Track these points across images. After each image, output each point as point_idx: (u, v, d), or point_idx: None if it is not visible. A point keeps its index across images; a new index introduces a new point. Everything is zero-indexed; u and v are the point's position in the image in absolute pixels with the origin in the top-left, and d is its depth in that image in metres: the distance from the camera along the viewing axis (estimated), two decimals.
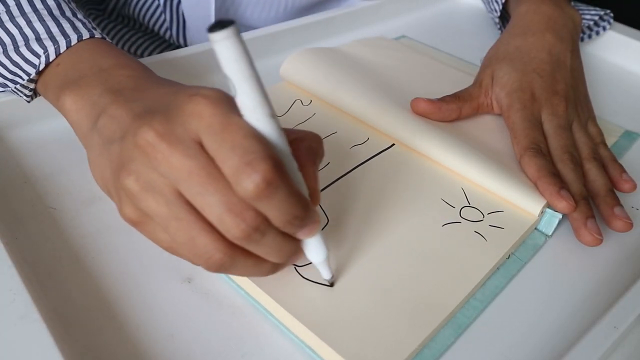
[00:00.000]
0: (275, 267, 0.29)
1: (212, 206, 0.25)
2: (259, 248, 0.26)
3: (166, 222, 0.26)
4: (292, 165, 0.27)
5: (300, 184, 0.27)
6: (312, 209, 0.27)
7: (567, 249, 0.38)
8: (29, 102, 0.40)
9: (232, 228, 0.25)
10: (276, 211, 0.25)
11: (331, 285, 0.31)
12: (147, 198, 0.26)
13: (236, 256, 0.26)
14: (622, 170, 0.42)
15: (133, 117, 0.28)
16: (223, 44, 0.23)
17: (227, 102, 0.25)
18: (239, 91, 0.24)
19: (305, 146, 0.28)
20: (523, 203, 0.38)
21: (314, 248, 0.29)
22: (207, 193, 0.25)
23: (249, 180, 0.23)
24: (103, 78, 0.33)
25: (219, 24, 0.22)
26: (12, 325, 0.27)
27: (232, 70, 0.23)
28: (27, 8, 0.38)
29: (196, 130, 0.25)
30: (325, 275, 0.31)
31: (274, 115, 0.25)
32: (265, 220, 0.25)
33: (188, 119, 0.25)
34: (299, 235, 0.27)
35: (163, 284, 0.33)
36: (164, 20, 0.63)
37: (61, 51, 0.36)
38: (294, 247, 0.28)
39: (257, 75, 0.24)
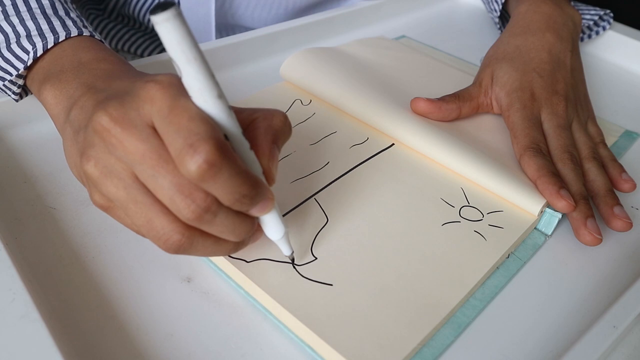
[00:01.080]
0: (236, 246, 0.29)
1: (164, 188, 0.25)
2: (213, 228, 0.27)
3: (125, 205, 0.27)
4: (243, 144, 0.27)
5: (252, 163, 0.27)
6: (263, 186, 0.27)
7: (567, 249, 0.38)
8: (17, 100, 0.40)
9: (183, 209, 0.25)
10: (223, 191, 0.25)
11: (292, 261, 0.32)
12: (106, 183, 0.27)
13: (194, 237, 0.27)
14: (622, 170, 0.42)
15: (94, 105, 0.29)
16: (164, 26, 0.23)
17: (178, 86, 0.25)
18: (184, 73, 0.24)
19: (263, 125, 0.28)
20: (523, 202, 0.38)
21: (271, 225, 0.30)
22: (158, 175, 0.25)
23: (192, 162, 0.24)
24: (80, 72, 0.34)
25: (161, 6, 0.22)
26: (11, 325, 0.27)
27: (175, 53, 0.24)
28: (22, 7, 0.39)
29: (149, 114, 0.25)
30: (285, 251, 0.31)
31: (220, 96, 0.25)
32: (216, 200, 0.26)
33: (142, 103, 0.25)
34: (253, 213, 0.27)
35: (163, 283, 0.33)
36: None
37: (49, 46, 0.37)
38: (250, 225, 0.28)
39: (202, 57, 0.24)
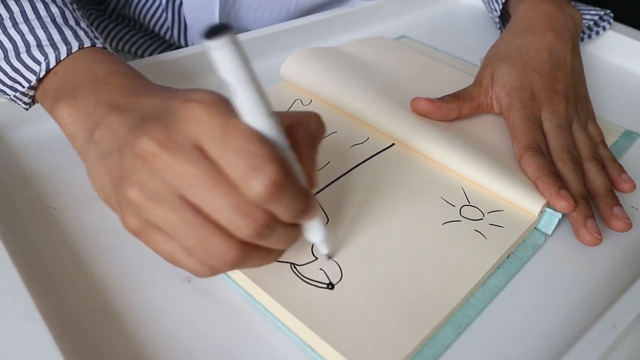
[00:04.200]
0: (280, 253, 0.30)
1: (221, 209, 0.25)
2: (269, 241, 0.27)
3: (176, 228, 0.26)
4: (290, 157, 0.27)
5: (299, 174, 0.27)
6: (313, 197, 0.27)
7: (567, 249, 0.38)
8: (27, 109, 0.40)
9: (243, 228, 0.25)
10: (285, 209, 0.25)
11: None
12: (154, 207, 0.26)
13: (249, 251, 0.27)
14: (622, 170, 0.42)
15: (129, 128, 0.28)
16: (221, 52, 0.22)
17: (222, 105, 0.25)
18: (239, 95, 0.24)
19: (302, 131, 0.28)
20: (523, 202, 0.38)
21: (313, 229, 0.30)
22: (215, 197, 0.25)
23: (258, 184, 0.24)
24: (96, 88, 0.33)
25: (215, 30, 0.22)
26: (12, 325, 0.27)
27: (230, 76, 0.23)
28: (31, 15, 0.38)
29: (195, 136, 0.25)
30: (324, 250, 0.33)
31: (272, 114, 0.25)
32: (274, 216, 0.26)
33: (186, 125, 0.25)
34: (303, 222, 0.29)
35: (163, 283, 0.33)
36: (165, 21, 0.63)
37: (61, 58, 0.36)
38: (298, 234, 0.29)
39: (255, 76, 0.24)
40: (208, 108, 0.24)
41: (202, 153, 0.25)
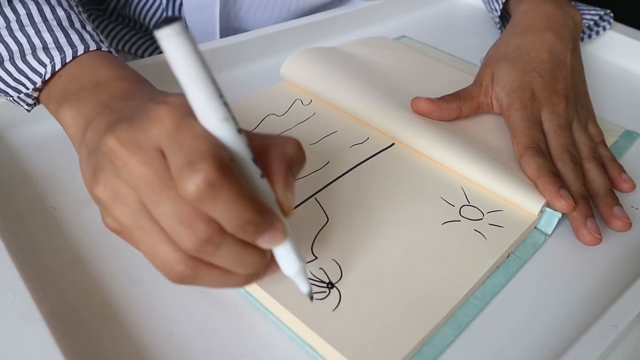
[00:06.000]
0: (247, 279, 0.27)
1: (165, 216, 0.24)
2: (217, 259, 0.25)
3: (130, 231, 0.26)
4: (252, 170, 0.25)
5: (263, 191, 0.26)
6: (270, 214, 0.25)
7: (567, 248, 0.38)
8: (29, 111, 0.40)
9: (184, 239, 0.24)
10: (224, 215, 0.23)
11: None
12: (114, 207, 0.26)
13: (198, 268, 0.25)
14: (622, 170, 0.42)
15: (106, 126, 0.28)
16: (168, 42, 0.22)
17: (189, 107, 0.24)
18: (187, 93, 0.23)
19: (276, 152, 0.26)
20: (523, 202, 0.38)
21: (283, 259, 0.27)
22: (160, 202, 0.24)
23: (190, 181, 0.22)
24: (98, 91, 0.33)
25: (166, 21, 0.21)
26: (12, 325, 0.27)
27: (179, 71, 0.22)
28: (37, 18, 0.38)
29: (157, 137, 0.24)
30: (302, 289, 0.29)
31: (228, 119, 0.24)
32: (219, 231, 0.24)
33: (150, 125, 0.24)
34: (260, 243, 0.25)
35: (163, 283, 0.33)
36: None
37: (67, 60, 0.36)
38: (259, 258, 0.26)
39: (209, 77, 0.23)
40: (172, 109, 0.24)
41: (160, 155, 0.24)
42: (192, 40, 0.22)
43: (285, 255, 0.27)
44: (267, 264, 0.27)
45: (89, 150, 0.29)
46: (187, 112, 0.24)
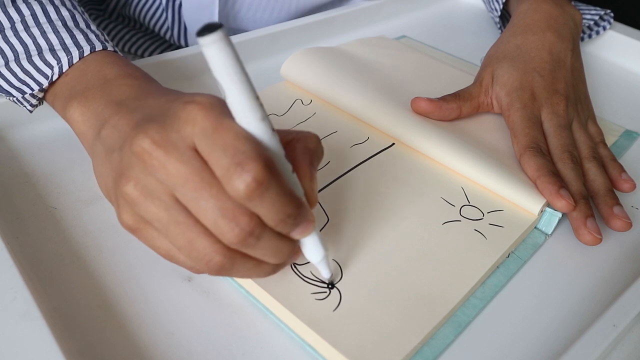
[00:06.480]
0: (275, 268, 0.29)
1: (207, 211, 0.25)
2: (256, 251, 0.26)
3: (166, 226, 0.26)
4: (286, 166, 0.27)
5: (294, 185, 0.27)
6: (305, 207, 0.27)
7: (567, 248, 0.38)
8: (31, 112, 0.40)
9: (227, 233, 0.25)
10: (268, 210, 0.25)
11: (331, 284, 0.32)
12: (147, 203, 0.26)
13: (235, 258, 0.27)
14: (622, 169, 0.42)
15: (132, 126, 0.29)
16: (212, 48, 0.23)
17: (220, 107, 0.25)
18: (228, 95, 0.24)
19: (300, 147, 0.28)
20: (523, 202, 0.38)
21: (311, 248, 0.29)
22: (201, 198, 0.25)
23: (240, 180, 0.24)
24: (107, 89, 0.34)
25: (208, 28, 0.22)
26: (13, 324, 0.27)
27: (221, 75, 0.24)
28: (42, 19, 0.38)
29: (190, 136, 0.25)
30: (325, 274, 0.31)
31: (264, 118, 0.25)
32: (260, 224, 0.25)
33: (182, 125, 0.25)
34: (294, 234, 0.27)
35: (163, 282, 0.33)
36: (165, 21, 0.63)
37: (74, 61, 0.37)
38: (291, 248, 0.28)
39: (248, 79, 0.24)
40: (205, 109, 0.25)
41: (195, 154, 0.25)
42: (233, 45, 0.23)
43: (312, 243, 0.29)
44: (295, 253, 0.29)
45: (107, 149, 0.30)
46: (221, 112, 0.25)
